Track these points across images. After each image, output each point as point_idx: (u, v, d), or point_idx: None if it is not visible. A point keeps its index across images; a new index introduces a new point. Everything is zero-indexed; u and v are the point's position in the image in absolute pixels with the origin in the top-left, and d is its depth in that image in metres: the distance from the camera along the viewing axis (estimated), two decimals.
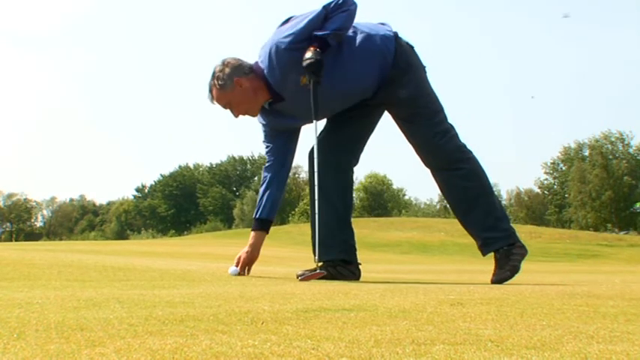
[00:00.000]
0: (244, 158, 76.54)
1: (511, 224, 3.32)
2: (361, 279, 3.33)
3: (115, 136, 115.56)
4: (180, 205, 73.39)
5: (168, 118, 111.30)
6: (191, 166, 79.28)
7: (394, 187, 67.57)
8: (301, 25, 2.98)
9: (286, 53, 3.00)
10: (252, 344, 1.11)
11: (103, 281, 2.59)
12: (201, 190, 72.46)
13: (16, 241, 62.26)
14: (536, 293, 2.28)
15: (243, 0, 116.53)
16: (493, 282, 3.13)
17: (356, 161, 3.46)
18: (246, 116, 3.24)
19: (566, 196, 58.39)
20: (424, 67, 3.33)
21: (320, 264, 3.16)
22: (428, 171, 3.39)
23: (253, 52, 3.26)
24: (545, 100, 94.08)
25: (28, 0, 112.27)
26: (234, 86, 3.10)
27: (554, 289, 2.58)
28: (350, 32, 3.09)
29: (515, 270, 3.18)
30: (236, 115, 3.20)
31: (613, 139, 56.75)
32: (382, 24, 3.29)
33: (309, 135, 3.28)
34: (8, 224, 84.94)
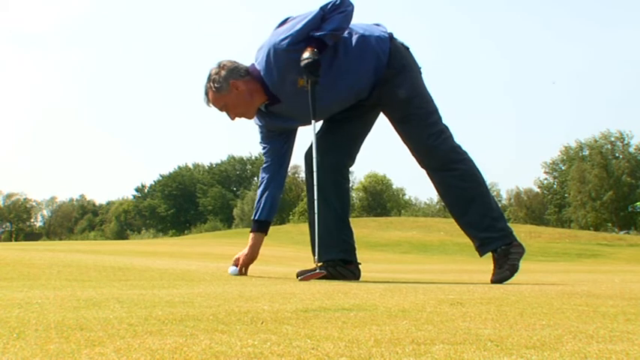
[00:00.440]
0: (244, 158, 76.56)
1: (508, 224, 3.32)
2: (361, 279, 3.33)
3: (114, 136, 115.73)
4: (180, 205, 73.35)
5: (168, 118, 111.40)
6: (191, 166, 79.27)
7: (394, 186, 67.62)
8: (299, 26, 2.98)
9: (284, 55, 2.99)
10: (252, 344, 1.11)
11: (102, 281, 2.59)
12: (201, 190, 72.43)
13: (15, 241, 62.30)
14: (536, 293, 2.28)
15: (241, 1, 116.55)
16: (493, 282, 3.14)
17: (352, 161, 3.46)
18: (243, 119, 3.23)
19: (565, 195, 58.40)
20: (419, 68, 3.33)
21: (320, 264, 3.16)
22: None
23: (251, 54, 3.26)
24: (545, 100, 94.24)
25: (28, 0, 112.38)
26: (230, 89, 3.09)
27: (553, 288, 2.58)
28: (345, 33, 3.09)
29: (514, 269, 3.18)
30: (232, 118, 3.19)
31: (613, 139, 56.80)
32: (377, 25, 3.29)
33: (306, 135, 3.28)
34: (8, 224, 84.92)
